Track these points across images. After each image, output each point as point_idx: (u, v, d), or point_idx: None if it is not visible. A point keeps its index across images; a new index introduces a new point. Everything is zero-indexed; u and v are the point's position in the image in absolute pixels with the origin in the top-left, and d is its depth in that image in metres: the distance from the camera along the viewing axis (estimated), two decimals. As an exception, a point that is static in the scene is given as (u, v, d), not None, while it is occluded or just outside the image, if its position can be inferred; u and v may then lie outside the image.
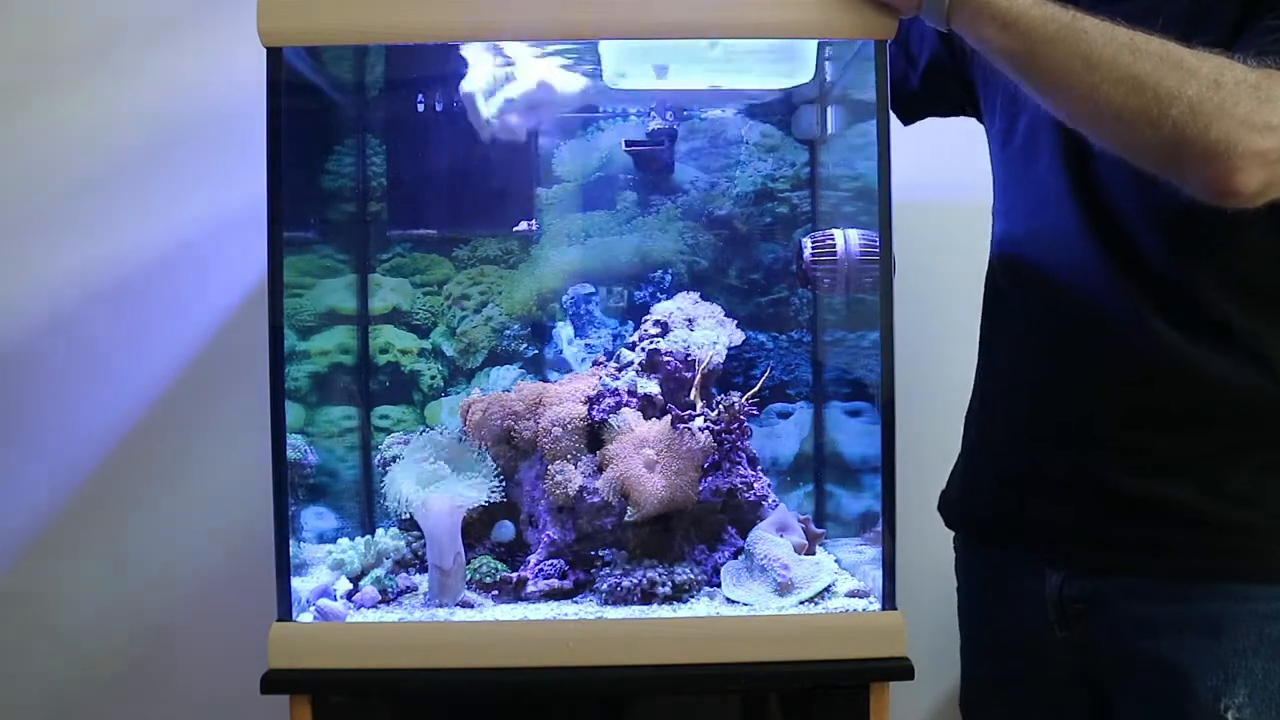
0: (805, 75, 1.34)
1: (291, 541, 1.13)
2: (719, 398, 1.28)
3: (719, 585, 1.21)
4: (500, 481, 1.26)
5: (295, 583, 1.15)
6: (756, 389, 1.31)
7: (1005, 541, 1.18)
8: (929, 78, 1.29)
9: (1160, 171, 0.94)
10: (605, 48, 1.28)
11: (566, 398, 1.30)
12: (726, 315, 1.39)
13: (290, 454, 1.15)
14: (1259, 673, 1.00)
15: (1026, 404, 1.14)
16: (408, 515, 1.23)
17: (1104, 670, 1.10)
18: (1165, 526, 1.04)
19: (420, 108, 1.47)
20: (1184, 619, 1.03)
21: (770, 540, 1.23)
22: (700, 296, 1.42)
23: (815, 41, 1.26)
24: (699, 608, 1.17)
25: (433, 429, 1.39)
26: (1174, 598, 1.03)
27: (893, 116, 1.33)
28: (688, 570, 1.21)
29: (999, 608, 1.20)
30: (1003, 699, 1.21)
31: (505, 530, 1.30)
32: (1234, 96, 0.88)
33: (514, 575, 1.23)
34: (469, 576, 1.22)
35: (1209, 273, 1.02)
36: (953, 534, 1.27)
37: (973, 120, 1.31)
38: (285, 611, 1.12)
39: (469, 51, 1.30)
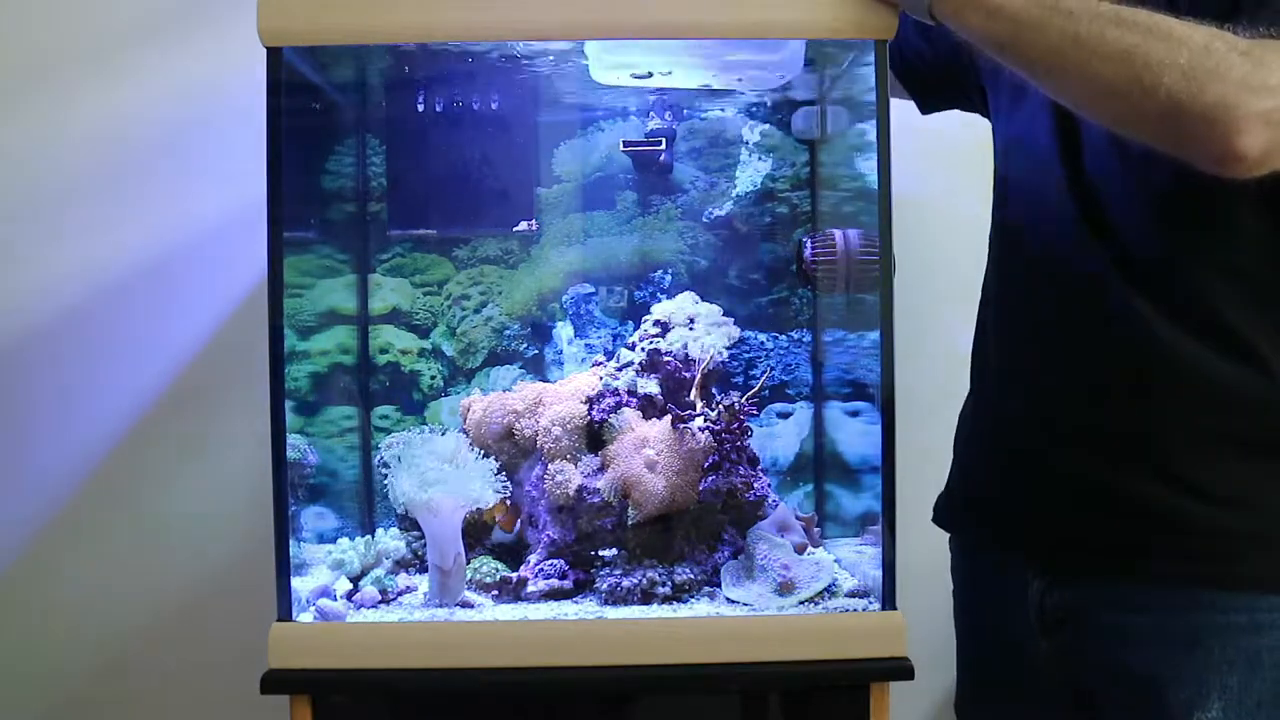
0: (794, 70, 1.32)
1: (291, 541, 1.13)
2: (719, 398, 1.28)
3: (719, 585, 1.21)
4: (503, 480, 1.25)
5: (295, 583, 1.15)
6: (757, 389, 1.31)
7: (989, 545, 1.17)
8: (948, 58, 1.24)
9: (1161, 144, 0.93)
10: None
11: (566, 397, 1.30)
12: (726, 315, 1.39)
13: (290, 454, 1.14)
14: (1234, 686, 0.98)
15: (1017, 402, 1.13)
16: (405, 513, 1.23)
17: (1084, 680, 1.07)
18: (1147, 528, 1.02)
19: (420, 108, 1.47)
20: (1162, 631, 1.01)
21: (770, 540, 1.23)
22: (700, 296, 1.42)
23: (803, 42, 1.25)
24: (699, 608, 1.17)
25: (431, 429, 1.39)
26: (1152, 608, 1.01)
27: (913, 108, 1.33)
28: (688, 570, 1.21)
29: (986, 613, 1.20)
30: (990, 704, 1.21)
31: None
32: (1228, 61, 0.87)
33: (514, 575, 1.23)
34: (469, 576, 1.22)
35: (1201, 264, 1.00)
36: (948, 536, 1.27)
37: (971, 123, 1.31)
38: (285, 611, 1.12)
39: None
